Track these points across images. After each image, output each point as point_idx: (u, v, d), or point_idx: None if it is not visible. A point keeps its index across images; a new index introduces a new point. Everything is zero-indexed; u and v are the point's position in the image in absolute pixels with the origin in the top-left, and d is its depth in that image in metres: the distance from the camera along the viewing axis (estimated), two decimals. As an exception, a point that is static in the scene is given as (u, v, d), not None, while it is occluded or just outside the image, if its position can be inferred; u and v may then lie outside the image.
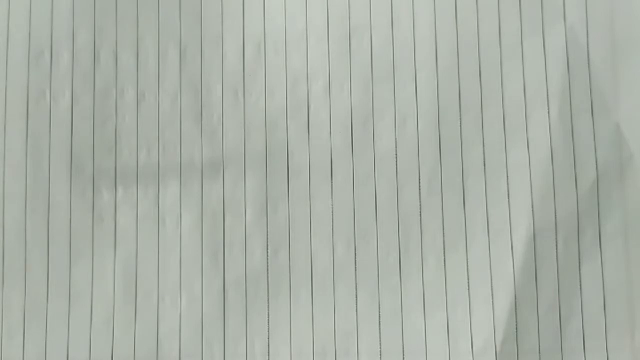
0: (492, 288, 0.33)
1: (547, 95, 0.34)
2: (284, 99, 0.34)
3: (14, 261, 0.33)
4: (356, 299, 0.33)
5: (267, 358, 0.33)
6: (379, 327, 0.33)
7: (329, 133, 0.34)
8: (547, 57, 0.34)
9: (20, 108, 0.34)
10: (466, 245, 0.33)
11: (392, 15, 0.34)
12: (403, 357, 0.32)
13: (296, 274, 0.33)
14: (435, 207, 0.33)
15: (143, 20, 0.35)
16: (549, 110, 0.34)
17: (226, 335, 0.33)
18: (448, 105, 0.34)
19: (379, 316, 0.33)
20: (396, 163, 0.34)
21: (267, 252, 0.33)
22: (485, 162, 0.33)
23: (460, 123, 0.34)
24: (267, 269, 0.33)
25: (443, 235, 0.33)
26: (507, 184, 0.33)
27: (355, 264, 0.33)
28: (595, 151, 0.33)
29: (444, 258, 0.33)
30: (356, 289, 0.33)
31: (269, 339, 0.33)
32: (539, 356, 0.32)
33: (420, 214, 0.33)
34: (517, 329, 0.32)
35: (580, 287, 0.33)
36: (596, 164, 0.33)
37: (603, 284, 0.33)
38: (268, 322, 0.33)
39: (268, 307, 0.33)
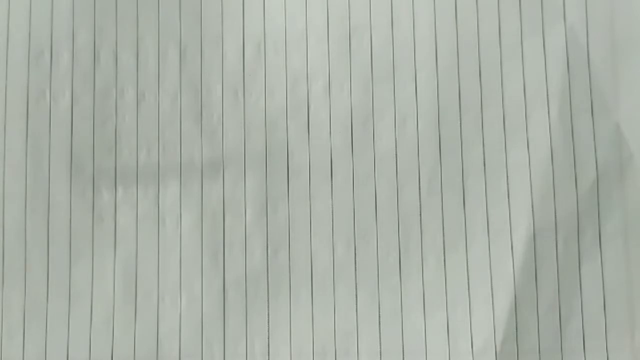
0: (492, 288, 0.33)
1: (547, 95, 0.34)
2: (284, 99, 0.34)
3: (14, 261, 0.33)
4: (356, 299, 0.33)
5: (267, 358, 0.33)
6: (379, 327, 0.33)
7: (329, 133, 0.34)
8: (547, 57, 0.34)
9: (20, 108, 0.34)
10: (466, 245, 0.33)
11: (392, 15, 0.34)
12: (403, 357, 0.32)
13: (296, 274, 0.33)
14: (435, 207, 0.33)
15: (143, 20, 0.35)
16: (549, 110, 0.34)
17: (226, 335, 0.33)
18: (448, 105, 0.34)
19: (379, 316, 0.33)
20: (396, 163, 0.34)
21: (267, 252, 0.33)
22: (485, 162, 0.33)
23: (460, 123, 0.34)
24: (267, 269, 0.33)
25: (443, 235, 0.33)
26: (507, 184, 0.33)
27: (355, 264, 0.33)
28: (595, 151, 0.33)
29: (444, 258, 0.33)
30: (356, 289, 0.33)
31: (269, 339, 0.33)
32: (539, 356, 0.32)
33: (420, 214, 0.33)
34: (517, 329, 0.32)
35: (580, 287, 0.33)
36: (596, 164, 0.33)
37: (603, 284, 0.33)
38: (268, 322, 0.33)
39: (268, 307, 0.33)
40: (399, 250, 0.33)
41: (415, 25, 0.34)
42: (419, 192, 0.33)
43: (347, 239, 0.33)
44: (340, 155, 0.34)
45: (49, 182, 0.34)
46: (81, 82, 0.34)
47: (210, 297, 0.33)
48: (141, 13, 0.35)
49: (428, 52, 0.34)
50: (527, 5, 0.34)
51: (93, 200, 0.34)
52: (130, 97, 0.34)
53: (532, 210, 0.33)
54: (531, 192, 0.33)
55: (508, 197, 0.33)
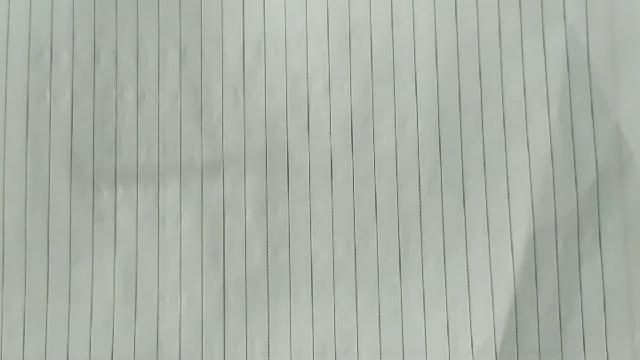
0: (492, 288, 0.33)
1: (547, 95, 0.34)
2: (284, 99, 0.34)
3: (14, 261, 0.33)
4: (356, 299, 0.33)
5: (267, 358, 0.33)
6: (379, 327, 0.33)
7: (329, 133, 0.34)
8: (547, 57, 0.34)
9: (20, 108, 0.34)
10: (466, 245, 0.33)
11: (392, 15, 0.34)
12: (403, 357, 0.32)
13: (296, 274, 0.33)
14: (435, 207, 0.33)
15: (143, 20, 0.35)
16: (549, 110, 0.34)
17: (226, 335, 0.33)
18: (448, 105, 0.34)
19: (379, 316, 0.33)
20: (396, 163, 0.34)
21: (267, 252, 0.33)
22: (485, 162, 0.33)
23: (460, 123, 0.34)
24: (267, 269, 0.33)
25: (443, 235, 0.33)
26: (507, 184, 0.33)
27: (355, 264, 0.33)
28: (595, 151, 0.33)
29: (444, 258, 0.33)
30: (356, 289, 0.33)
31: (269, 339, 0.33)
32: (539, 356, 0.32)
33: (420, 214, 0.33)
34: (517, 329, 0.32)
35: (580, 287, 0.33)
36: (596, 164, 0.33)
37: (603, 284, 0.33)
38: (268, 322, 0.33)
39: (268, 307, 0.33)
40: (399, 250, 0.33)
41: (415, 25, 0.34)
42: (419, 192, 0.33)
43: (347, 239, 0.33)
44: (340, 155, 0.34)
45: (49, 182, 0.34)
46: (81, 82, 0.34)
47: (210, 297, 0.33)
48: (141, 13, 0.35)
49: (428, 52, 0.34)
50: (527, 5, 0.34)
51: (93, 200, 0.34)
52: (130, 97, 0.34)
53: (532, 210, 0.33)
54: (531, 192, 0.33)
55: (508, 197, 0.33)
